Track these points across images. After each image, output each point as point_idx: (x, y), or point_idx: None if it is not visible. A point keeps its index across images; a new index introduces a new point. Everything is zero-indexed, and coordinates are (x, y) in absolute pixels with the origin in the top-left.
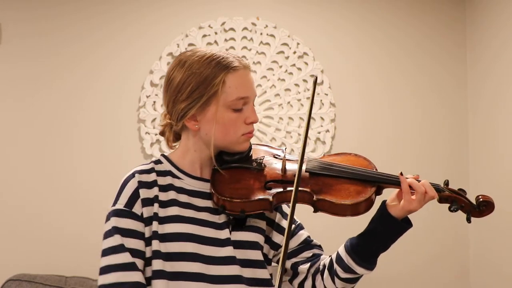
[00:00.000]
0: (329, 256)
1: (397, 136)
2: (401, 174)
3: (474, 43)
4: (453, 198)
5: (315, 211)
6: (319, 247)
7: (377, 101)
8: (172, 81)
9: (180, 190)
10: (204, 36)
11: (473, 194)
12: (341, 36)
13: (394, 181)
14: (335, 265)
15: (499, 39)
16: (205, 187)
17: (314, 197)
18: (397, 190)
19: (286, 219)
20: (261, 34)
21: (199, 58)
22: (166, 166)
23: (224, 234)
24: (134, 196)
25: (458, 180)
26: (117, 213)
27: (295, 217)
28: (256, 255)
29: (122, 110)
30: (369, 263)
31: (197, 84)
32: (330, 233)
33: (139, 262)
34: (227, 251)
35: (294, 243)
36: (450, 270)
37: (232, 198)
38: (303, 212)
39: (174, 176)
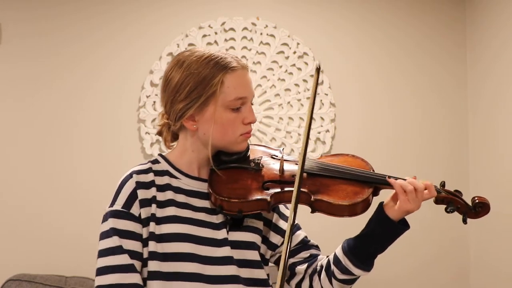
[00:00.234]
0: (326, 257)
1: (397, 136)
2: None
3: (474, 43)
4: (449, 199)
5: (312, 211)
6: (317, 247)
7: (377, 101)
8: (170, 81)
9: (178, 190)
10: (204, 36)
11: (473, 195)
12: (341, 36)
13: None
14: (332, 266)
15: (499, 39)
16: (203, 187)
17: (312, 197)
18: (394, 191)
19: (284, 220)
20: (261, 34)
21: (197, 58)
22: (163, 165)
23: (221, 234)
24: (132, 197)
25: (458, 180)
26: (115, 214)
27: None
28: (253, 255)
29: (122, 110)
30: (366, 265)
31: (195, 84)
32: (328, 233)
33: (137, 264)
34: (224, 251)
35: (291, 243)
36: (448, 272)
37: (230, 198)
38: (301, 213)
39: (171, 176)
